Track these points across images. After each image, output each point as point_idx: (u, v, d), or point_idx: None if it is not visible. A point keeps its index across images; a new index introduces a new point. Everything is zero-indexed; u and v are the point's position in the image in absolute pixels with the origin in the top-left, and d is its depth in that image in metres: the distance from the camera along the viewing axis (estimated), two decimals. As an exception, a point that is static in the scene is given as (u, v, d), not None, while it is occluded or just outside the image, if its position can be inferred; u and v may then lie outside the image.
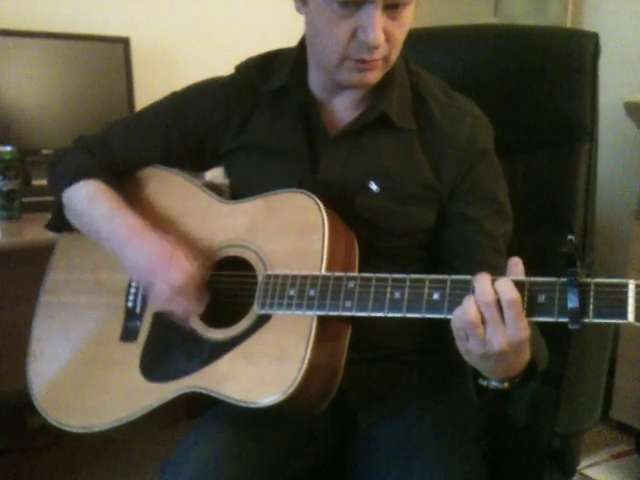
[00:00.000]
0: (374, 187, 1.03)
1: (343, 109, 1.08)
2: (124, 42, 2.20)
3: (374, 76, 1.00)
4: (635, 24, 2.33)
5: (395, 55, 1.01)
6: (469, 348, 0.81)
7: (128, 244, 1.05)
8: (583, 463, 1.97)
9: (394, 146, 1.05)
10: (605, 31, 1.33)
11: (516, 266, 0.81)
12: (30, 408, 1.10)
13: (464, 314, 0.79)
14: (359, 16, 0.93)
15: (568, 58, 1.26)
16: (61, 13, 2.20)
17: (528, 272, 0.81)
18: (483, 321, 0.79)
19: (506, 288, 0.78)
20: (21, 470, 2.00)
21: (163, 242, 1.03)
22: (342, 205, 1.02)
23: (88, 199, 1.10)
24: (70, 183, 1.12)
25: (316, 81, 1.08)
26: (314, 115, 1.08)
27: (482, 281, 0.79)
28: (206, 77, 1.18)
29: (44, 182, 1.35)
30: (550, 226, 1.26)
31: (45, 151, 2.07)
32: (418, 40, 1.00)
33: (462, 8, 2.76)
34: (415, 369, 1.10)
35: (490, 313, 0.78)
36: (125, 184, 1.15)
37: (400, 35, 0.98)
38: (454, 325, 0.81)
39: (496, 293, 0.78)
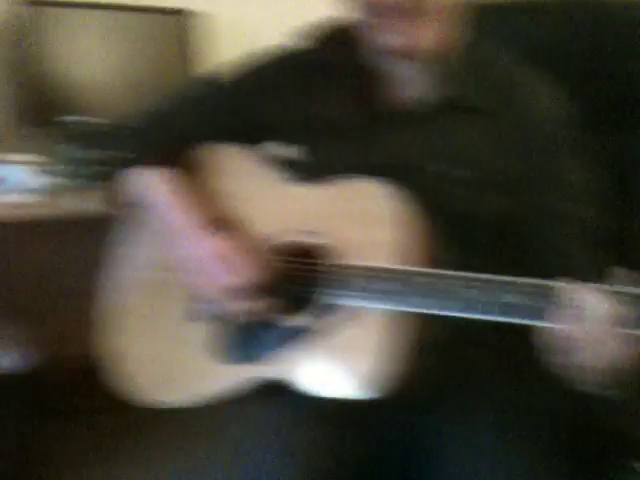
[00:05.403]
0: (455, 172, 0.97)
1: (411, 86, 1.00)
2: (182, 15, 2.12)
3: (424, 34, 0.91)
4: None
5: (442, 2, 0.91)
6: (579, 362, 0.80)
7: (182, 240, 1.05)
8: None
9: (470, 129, 0.99)
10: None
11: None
12: (96, 372, 1.10)
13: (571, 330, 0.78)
14: None
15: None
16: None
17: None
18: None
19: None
20: (90, 432, 2.04)
21: (218, 241, 1.02)
22: (409, 191, 0.95)
23: (146, 186, 1.10)
24: (127, 166, 1.12)
25: (376, 55, 1.00)
26: (378, 93, 1.01)
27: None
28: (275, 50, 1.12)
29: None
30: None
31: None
32: (494, 14, 0.93)
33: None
34: (492, 353, 1.02)
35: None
36: (183, 164, 1.13)
37: None
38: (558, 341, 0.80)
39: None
